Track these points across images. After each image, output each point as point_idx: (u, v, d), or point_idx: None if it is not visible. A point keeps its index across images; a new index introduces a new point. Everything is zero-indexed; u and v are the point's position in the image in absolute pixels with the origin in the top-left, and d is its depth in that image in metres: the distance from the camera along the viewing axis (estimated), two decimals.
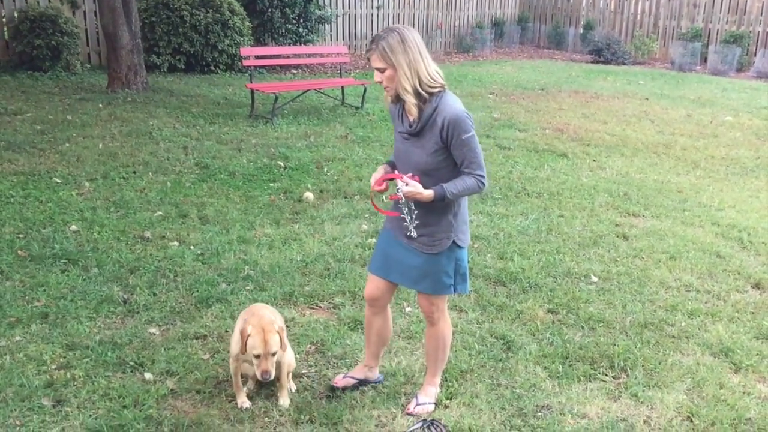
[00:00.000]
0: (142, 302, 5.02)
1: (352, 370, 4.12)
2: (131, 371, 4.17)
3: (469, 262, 4.37)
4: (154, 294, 5.18)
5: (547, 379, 4.27)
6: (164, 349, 4.42)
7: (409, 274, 3.68)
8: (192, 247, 6.07)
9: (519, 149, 9.98)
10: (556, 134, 11.04)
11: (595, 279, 5.72)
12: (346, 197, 7.58)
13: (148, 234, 6.29)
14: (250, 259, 5.86)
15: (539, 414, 3.89)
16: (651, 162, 9.62)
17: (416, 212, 3.51)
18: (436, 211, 3.49)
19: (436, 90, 3.39)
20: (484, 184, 3.42)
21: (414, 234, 3.55)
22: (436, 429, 3.74)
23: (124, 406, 3.79)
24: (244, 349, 3.63)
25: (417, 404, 3.89)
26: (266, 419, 3.75)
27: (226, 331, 4.67)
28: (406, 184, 3.40)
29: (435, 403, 3.93)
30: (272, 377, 3.62)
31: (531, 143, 10.33)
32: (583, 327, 4.94)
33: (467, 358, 4.45)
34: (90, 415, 3.70)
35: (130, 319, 4.82)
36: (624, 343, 4.68)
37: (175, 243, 6.15)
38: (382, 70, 3.36)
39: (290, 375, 4.01)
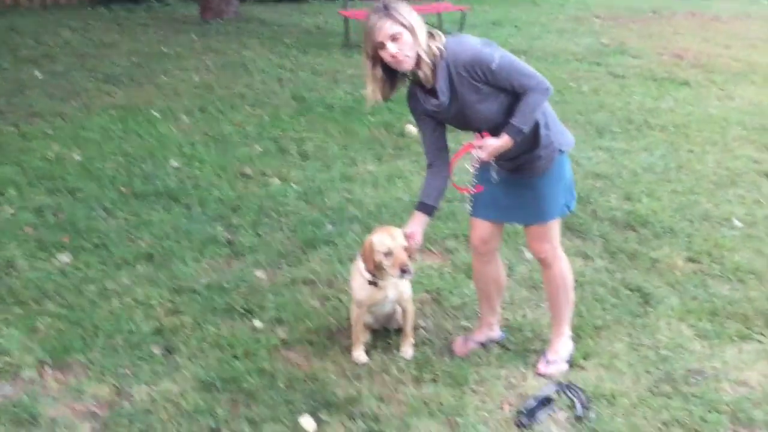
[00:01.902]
0: (246, 243, 4.79)
1: (472, 333, 3.76)
2: (240, 318, 3.95)
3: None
4: (259, 235, 4.94)
5: (695, 339, 3.79)
6: (272, 294, 4.18)
7: (518, 208, 3.34)
8: (294, 185, 5.80)
9: (634, 78, 9.17)
10: (674, 60, 10.11)
11: (738, 223, 5.11)
12: (451, 131, 7.10)
13: (248, 170, 6.06)
14: (355, 198, 5.53)
15: (691, 380, 3.44)
16: None
17: (495, 169, 3.22)
18: (525, 139, 3.09)
19: (440, 46, 3.00)
20: (547, 88, 3.01)
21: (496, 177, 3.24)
22: (572, 394, 3.35)
23: (236, 357, 3.58)
24: (371, 261, 3.31)
25: (547, 363, 3.52)
26: (385, 377, 3.46)
27: (335, 277, 4.39)
28: (480, 147, 3.06)
29: (569, 362, 3.54)
30: (412, 271, 3.27)
31: (647, 71, 9.48)
32: (730, 279, 4.39)
33: (601, 313, 4.01)
34: (201, 366, 3.50)
35: (236, 262, 4.61)
36: None
37: (276, 180, 5.90)
38: (396, 38, 2.93)
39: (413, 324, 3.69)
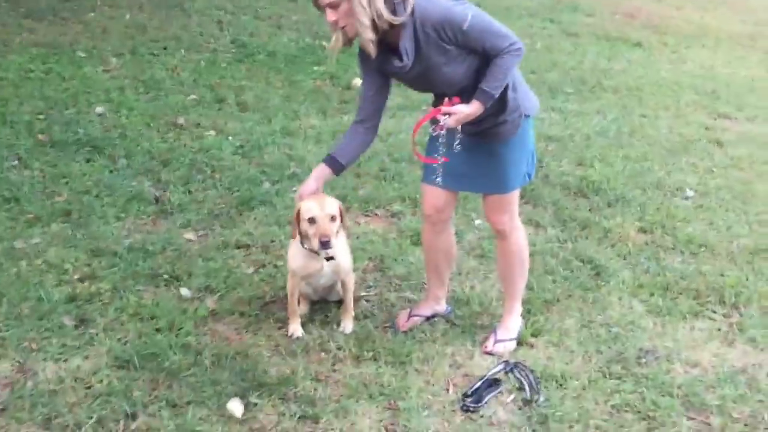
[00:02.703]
0: (176, 201, 4.41)
1: (417, 306, 3.51)
2: (165, 286, 3.61)
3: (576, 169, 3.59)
4: (190, 192, 4.57)
5: (647, 316, 3.64)
6: (202, 259, 3.84)
7: (477, 176, 3.07)
8: (230, 138, 5.41)
9: (588, 36, 8.97)
10: (626, 20, 9.95)
11: (690, 193, 4.98)
12: (399, 85, 6.76)
13: (181, 120, 5.63)
14: (296, 155, 5.19)
15: (643, 360, 3.28)
16: (737, 55, 8.60)
17: (459, 136, 2.89)
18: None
19: (404, 15, 2.66)
20: (519, 49, 2.74)
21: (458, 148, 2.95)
22: (520, 373, 3.16)
23: (158, 330, 3.25)
24: (296, 226, 3.06)
25: (496, 341, 3.31)
26: (322, 354, 3.19)
27: (272, 241, 4.07)
28: (448, 116, 2.77)
29: (517, 339, 3.34)
30: (332, 244, 3.02)
31: (600, 29, 9.30)
32: (682, 252, 4.25)
33: (551, 286, 3.82)
34: (119, 340, 3.17)
35: (163, 221, 4.24)
36: (733, 274, 4.00)
37: (212, 132, 5.49)
38: (335, 6, 2.65)
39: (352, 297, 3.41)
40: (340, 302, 3.52)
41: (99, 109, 5.73)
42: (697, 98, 6.92)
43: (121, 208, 4.31)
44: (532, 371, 3.17)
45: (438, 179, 3.04)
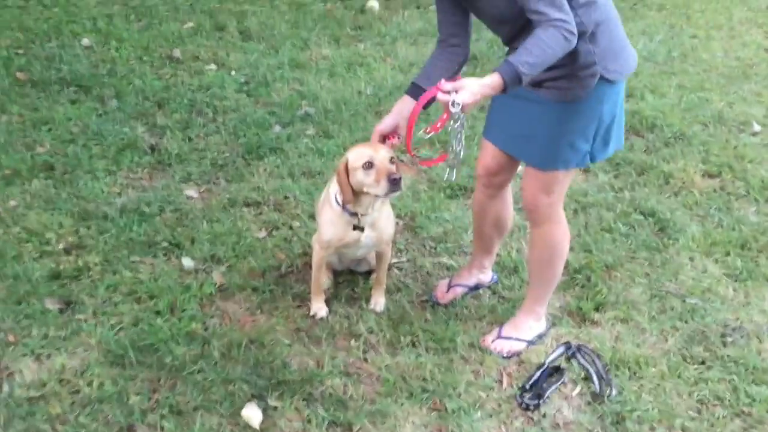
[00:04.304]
0: (174, 150, 3.86)
1: (458, 275, 3.00)
2: (164, 255, 3.11)
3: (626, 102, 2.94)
4: (190, 139, 4.01)
5: (725, 281, 3.12)
6: (206, 222, 3.32)
7: (518, 136, 2.43)
8: (233, 73, 4.80)
9: None
10: None
11: (758, 128, 4.39)
12: (419, 7, 6.09)
13: (177, 53, 5.00)
14: (308, 91, 4.59)
15: (729, 339, 2.78)
16: None
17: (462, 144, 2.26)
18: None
19: None
20: (570, 32, 2.04)
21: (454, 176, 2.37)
22: (585, 359, 2.67)
23: (158, 313, 2.76)
24: (346, 184, 2.46)
25: (498, 336, 2.73)
26: (351, 340, 2.71)
27: (285, 197, 3.53)
28: (455, 90, 2.05)
29: (530, 344, 2.73)
30: (402, 185, 2.44)
31: None
32: (757, 200, 3.70)
33: (611, 246, 3.30)
34: (111, 327, 2.68)
35: (161, 175, 3.70)
36: None
37: (212, 66, 4.88)
38: None
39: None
40: (369, 273, 3.02)
41: (85, 41, 5.11)
42: (751, 15, 6.20)
43: (112, 159, 3.77)
44: (599, 356, 2.68)
45: (453, 176, 2.37)
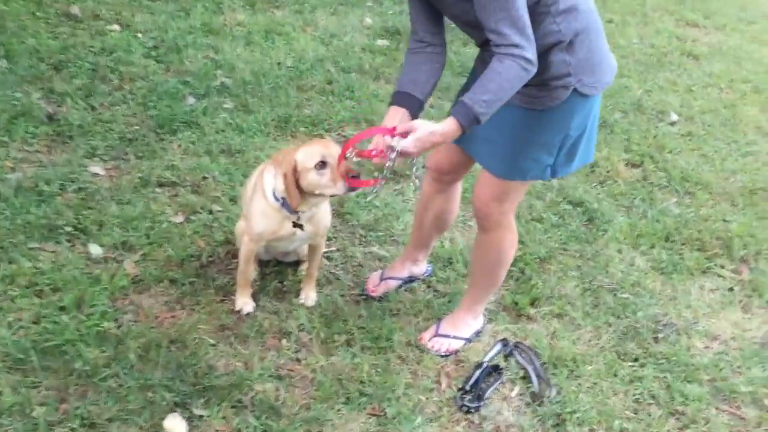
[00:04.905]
0: (75, 121, 3.49)
1: (390, 267, 2.86)
2: (68, 242, 2.79)
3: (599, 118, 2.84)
4: (93, 108, 3.64)
5: (652, 274, 3.15)
6: (116, 203, 3.02)
7: (480, 138, 2.25)
8: (140, 35, 4.41)
9: None
10: None
11: (675, 117, 4.47)
12: None
13: (75, 10, 4.55)
14: (224, 60, 4.28)
15: (660, 335, 2.80)
16: None
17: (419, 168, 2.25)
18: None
19: None
20: (528, 61, 1.88)
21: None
22: (523, 357, 2.62)
23: (62, 309, 2.47)
24: (293, 188, 2.24)
25: (436, 334, 2.62)
26: (282, 339, 2.52)
27: (204, 178, 3.27)
28: (401, 135, 1.97)
29: (467, 340, 2.64)
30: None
31: None
32: (677, 190, 3.77)
33: (543, 237, 3.26)
34: (9, 326, 2.37)
35: (61, 148, 3.34)
36: (737, 220, 3.56)
37: (116, 27, 4.47)
38: None
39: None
40: (297, 263, 2.84)
41: None
42: (662, 2, 6.32)
43: (4, 128, 3.36)
44: (537, 354, 2.63)
45: (417, 184, 2.24)
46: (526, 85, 1.95)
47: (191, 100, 3.83)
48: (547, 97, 2.05)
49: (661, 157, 3.99)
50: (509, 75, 1.87)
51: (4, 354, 2.26)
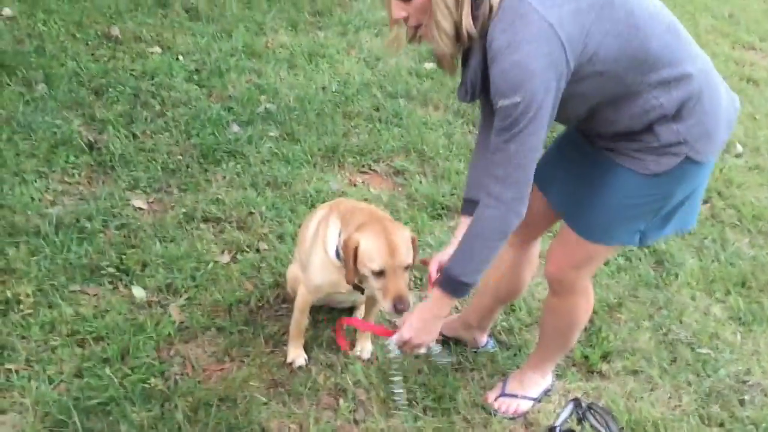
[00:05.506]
0: (117, 150, 3.35)
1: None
2: (110, 284, 2.64)
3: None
4: (135, 136, 3.50)
5: (729, 324, 2.93)
6: (159, 241, 2.86)
7: (568, 194, 2.06)
8: (181, 58, 4.28)
9: None
10: None
11: (740, 148, 4.24)
12: None
13: (116, 31, 4.43)
14: (267, 85, 4.13)
15: (746, 396, 2.57)
16: None
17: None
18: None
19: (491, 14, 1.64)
20: (511, 212, 1.77)
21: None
22: (597, 420, 2.39)
23: (105, 361, 2.31)
24: (352, 267, 2.05)
25: (502, 393, 2.42)
26: (338, 398, 2.34)
27: (251, 213, 3.11)
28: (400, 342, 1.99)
29: (536, 400, 2.45)
30: (410, 306, 2.03)
31: None
32: (749, 230, 3.53)
33: (610, 281, 3.04)
34: (50, 380, 2.22)
35: (102, 180, 3.20)
36: None
37: (157, 49, 4.34)
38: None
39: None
40: (351, 310, 2.66)
41: (7, 11, 4.45)
42: (715, 23, 6.08)
43: (44, 158, 3.23)
44: (612, 416, 2.40)
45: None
46: (634, 149, 1.76)
47: (235, 127, 3.68)
48: (658, 158, 1.82)
49: (729, 192, 3.76)
50: (485, 229, 1.80)
51: (44, 414, 2.10)
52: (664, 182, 1.84)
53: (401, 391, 2.25)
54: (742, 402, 2.55)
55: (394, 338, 1.96)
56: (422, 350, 2.02)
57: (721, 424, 2.45)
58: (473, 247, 1.81)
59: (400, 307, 1.99)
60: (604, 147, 1.89)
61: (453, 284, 1.84)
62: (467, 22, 1.66)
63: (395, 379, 2.22)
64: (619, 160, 1.84)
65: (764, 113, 4.71)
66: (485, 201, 1.78)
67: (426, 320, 1.92)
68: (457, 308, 2.76)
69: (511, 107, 1.62)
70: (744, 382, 2.63)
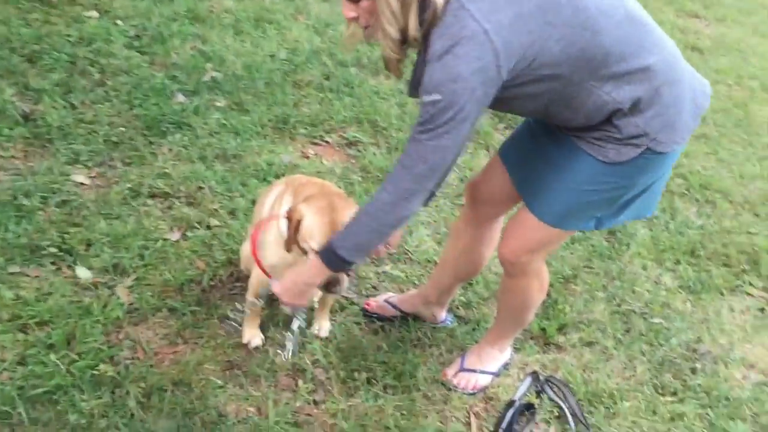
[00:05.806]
0: (55, 122, 3.18)
1: (397, 294, 2.62)
2: (53, 264, 2.51)
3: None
4: (73, 107, 3.33)
5: (680, 293, 2.98)
6: (104, 218, 2.74)
7: (529, 171, 2.02)
8: (120, 23, 4.08)
9: None
10: None
11: None
12: None
13: None
14: (213, 52, 3.98)
15: (697, 365, 2.63)
16: None
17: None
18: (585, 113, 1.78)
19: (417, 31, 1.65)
20: (405, 208, 1.77)
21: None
22: (556, 393, 2.42)
23: (50, 347, 2.20)
24: (292, 239, 2.00)
25: (461, 369, 2.41)
26: (297, 378, 2.29)
27: (200, 188, 3.00)
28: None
29: (495, 374, 2.44)
30: (341, 289, 2.03)
31: None
32: (697, 199, 3.59)
33: (565, 253, 3.06)
34: None
35: (40, 153, 3.03)
36: (761, 232, 3.40)
37: (94, 13, 4.12)
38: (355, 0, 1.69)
39: None
40: None
41: None
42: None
43: None
44: (570, 388, 2.43)
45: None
46: (596, 137, 1.76)
47: (180, 97, 3.54)
48: (614, 151, 1.79)
49: (677, 161, 3.80)
50: (380, 209, 1.78)
51: None
52: (626, 171, 1.82)
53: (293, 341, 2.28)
54: (693, 370, 2.60)
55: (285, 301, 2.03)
56: (288, 310, 2.09)
57: (674, 393, 2.50)
58: (360, 222, 1.81)
59: (332, 289, 1.98)
60: (568, 133, 1.86)
61: (329, 254, 1.84)
62: (413, 28, 1.62)
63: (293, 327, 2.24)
64: (581, 144, 1.82)
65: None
66: (384, 184, 1.76)
67: (297, 284, 1.96)
68: (414, 284, 2.74)
69: (432, 104, 1.61)
70: (695, 350, 2.69)
